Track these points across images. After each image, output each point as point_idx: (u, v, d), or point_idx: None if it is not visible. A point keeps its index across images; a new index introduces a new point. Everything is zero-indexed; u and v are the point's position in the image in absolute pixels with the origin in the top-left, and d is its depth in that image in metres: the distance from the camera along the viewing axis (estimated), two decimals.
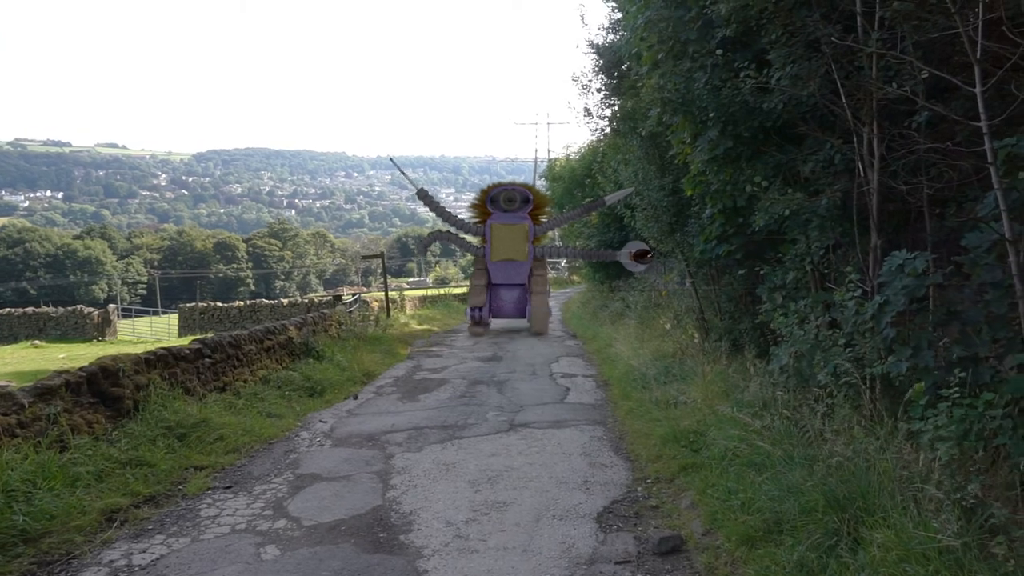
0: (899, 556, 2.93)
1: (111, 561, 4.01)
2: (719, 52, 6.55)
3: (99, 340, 29.17)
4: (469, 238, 17.91)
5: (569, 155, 30.19)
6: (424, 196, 17.53)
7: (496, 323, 18.63)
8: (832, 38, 5.21)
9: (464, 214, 18.82)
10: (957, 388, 3.42)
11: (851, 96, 5.34)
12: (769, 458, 4.44)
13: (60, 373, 6.05)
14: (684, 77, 6.90)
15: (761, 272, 7.75)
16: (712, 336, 9.58)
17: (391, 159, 18.05)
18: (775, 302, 6.74)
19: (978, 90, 3.80)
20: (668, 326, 11.39)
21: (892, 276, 4.50)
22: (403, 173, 18.43)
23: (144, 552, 4.14)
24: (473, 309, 16.83)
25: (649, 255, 14.56)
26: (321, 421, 7.85)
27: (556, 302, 28.17)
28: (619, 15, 13.85)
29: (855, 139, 5.42)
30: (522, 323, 18.37)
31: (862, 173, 5.38)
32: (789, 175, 6.41)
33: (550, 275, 21.69)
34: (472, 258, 18.91)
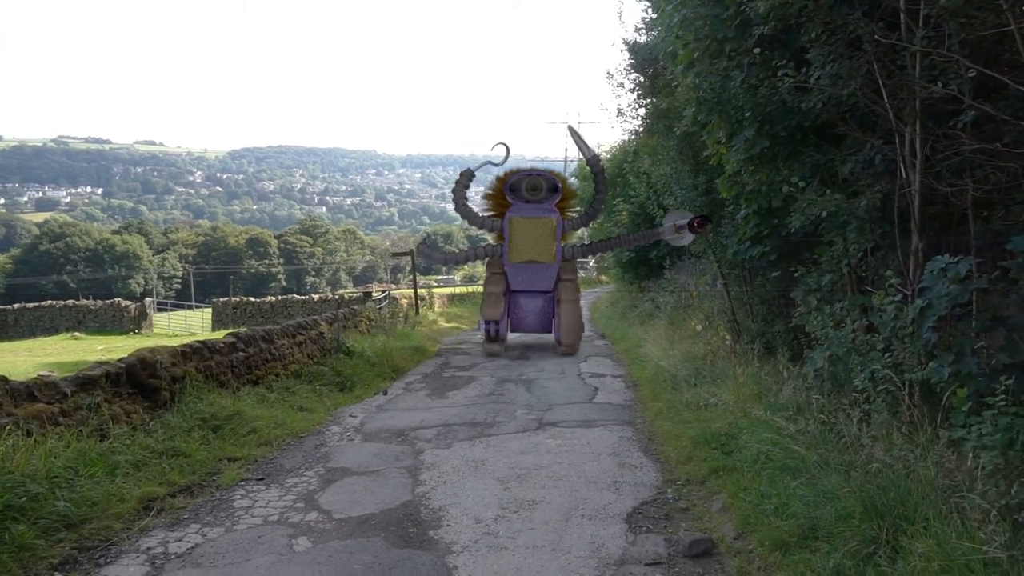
0: (941, 567, 2.86)
1: (148, 548, 4.09)
2: (756, 51, 6.45)
3: (136, 333, 29.81)
4: (459, 236, 15.87)
5: (600, 154, 30.09)
6: (470, 175, 13.89)
7: (514, 337, 15.08)
8: (875, 36, 5.10)
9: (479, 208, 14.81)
10: (1003, 396, 3.32)
11: (893, 95, 5.21)
12: (804, 463, 4.37)
13: (100, 364, 6.20)
14: (720, 76, 6.80)
15: (796, 274, 7.63)
16: (744, 338, 9.46)
17: (571, 128, 14.03)
18: (810, 305, 6.62)
19: None
20: (699, 328, 11.28)
21: (934, 280, 4.38)
22: (507, 150, 14.01)
23: (180, 541, 4.21)
24: (488, 323, 12.91)
25: (701, 224, 10.26)
26: (351, 416, 7.92)
27: (584, 301, 27.38)
28: (654, 15, 13.73)
29: (897, 139, 5.29)
30: (547, 338, 14.91)
31: (903, 174, 5.26)
32: (827, 176, 6.29)
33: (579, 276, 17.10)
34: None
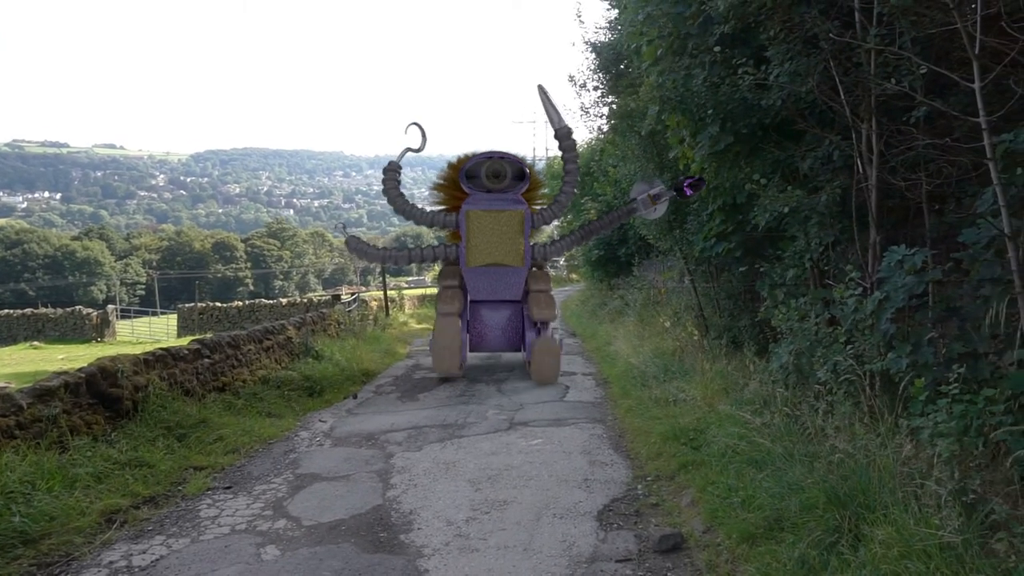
0: (900, 553, 2.93)
1: (111, 562, 4.00)
2: (717, 49, 6.54)
3: (98, 341, 29.15)
4: (430, 237, 11.46)
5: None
6: (393, 170, 10.52)
7: (474, 357, 12.29)
8: (830, 34, 5.20)
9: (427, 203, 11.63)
10: (957, 384, 3.41)
11: (850, 92, 5.33)
12: (769, 455, 4.44)
13: (59, 374, 6.04)
14: (683, 74, 6.88)
15: (761, 269, 7.75)
16: (711, 334, 9.58)
17: (415, 123, 10.41)
18: (775, 299, 6.74)
19: (977, 86, 3.79)
20: (667, 324, 11.39)
21: (891, 272, 4.49)
22: (423, 136, 10.56)
23: (144, 553, 4.13)
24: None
25: (695, 185, 8.76)
26: (321, 421, 7.84)
27: (555, 300, 27.17)
28: (616, 13, 13.84)
29: (854, 135, 5.41)
30: (514, 357, 12.50)
31: (861, 169, 5.38)
32: (788, 172, 6.41)
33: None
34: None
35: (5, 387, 6.61)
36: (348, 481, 5.51)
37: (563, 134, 10.22)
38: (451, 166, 10.66)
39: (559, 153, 10.80)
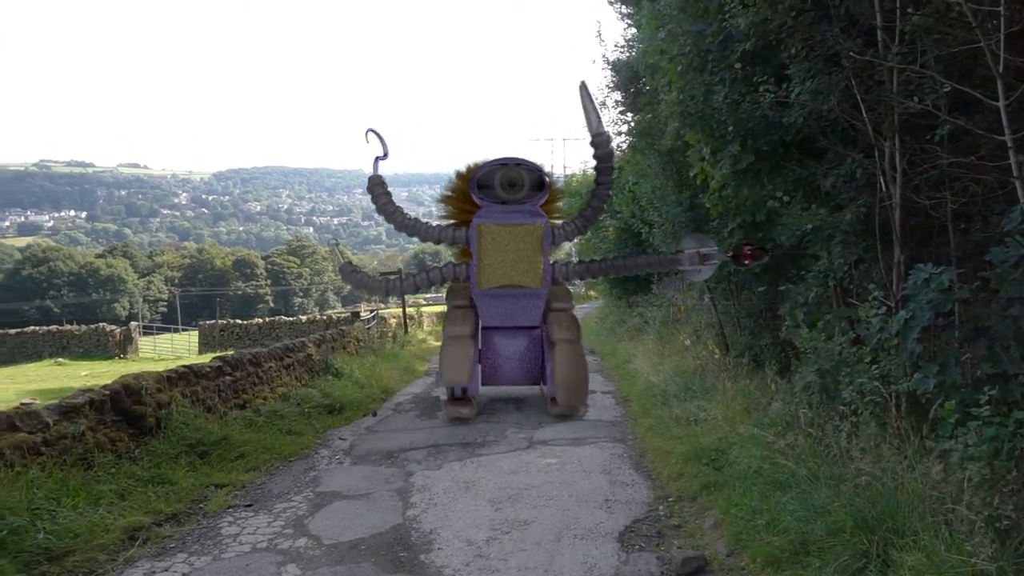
0: None
1: None
2: (739, 66, 6.55)
3: (121, 358, 29.50)
4: (449, 255, 9.67)
5: (586, 171, 30.24)
6: (377, 184, 9.09)
7: (486, 391, 10.14)
8: (852, 52, 5.19)
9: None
10: (987, 406, 3.35)
11: (872, 110, 5.30)
12: (794, 477, 4.38)
13: (84, 391, 6.12)
14: (703, 91, 6.89)
15: (781, 288, 7.68)
16: (732, 352, 9.50)
17: (371, 130, 8.98)
18: (797, 318, 6.68)
19: (1001, 104, 3.76)
20: (687, 342, 11.31)
21: (917, 291, 4.43)
22: (379, 139, 9.06)
23: (166, 571, 4.15)
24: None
25: (754, 255, 7.80)
26: (340, 438, 7.86)
27: (578, 321, 25.92)
28: (634, 31, 13.90)
29: (876, 153, 5.37)
30: (531, 392, 10.46)
31: (884, 187, 5.33)
32: (810, 190, 6.37)
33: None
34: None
35: (31, 404, 6.71)
36: (368, 499, 5.51)
37: (602, 140, 9.06)
38: (460, 176, 9.41)
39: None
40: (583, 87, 9.09)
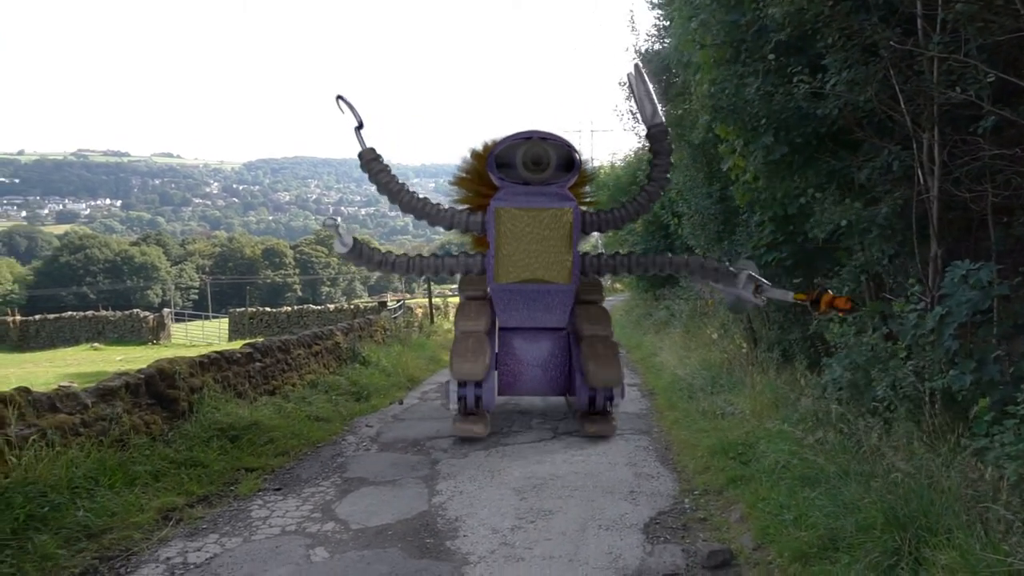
0: None
1: (168, 558, 4.12)
2: (772, 57, 6.45)
3: (154, 343, 30.12)
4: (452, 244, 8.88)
5: (615, 162, 30.02)
6: (369, 159, 7.52)
7: (502, 401, 8.91)
8: (891, 42, 5.07)
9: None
10: None
11: (910, 101, 5.18)
12: (822, 473, 4.32)
13: (120, 375, 6.26)
14: (736, 83, 6.80)
15: (815, 281, 7.57)
16: (761, 346, 9.40)
17: (340, 96, 7.23)
18: (829, 313, 6.58)
19: None
20: (715, 335, 11.21)
21: (955, 287, 4.34)
22: (349, 107, 7.31)
23: (199, 551, 4.24)
24: (462, 386, 7.33)
25: (835, 305, 6.25)
26: (367, 426, 7.94)
27: (609, 316, 23.38)
28: (667, 23, 13.75)
29: (915, 145, 5.25)
30: (554, 402, 9.13)
31: (922, 180, 5.21)
32: (844, 182, 6.26)
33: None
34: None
35: (70, 386, 6.88)
36: (395, 486, 5.57)
37: (660, 131, 7.47)
38: (476, 154, 7.95)
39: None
40: (637, 70, 7.72)
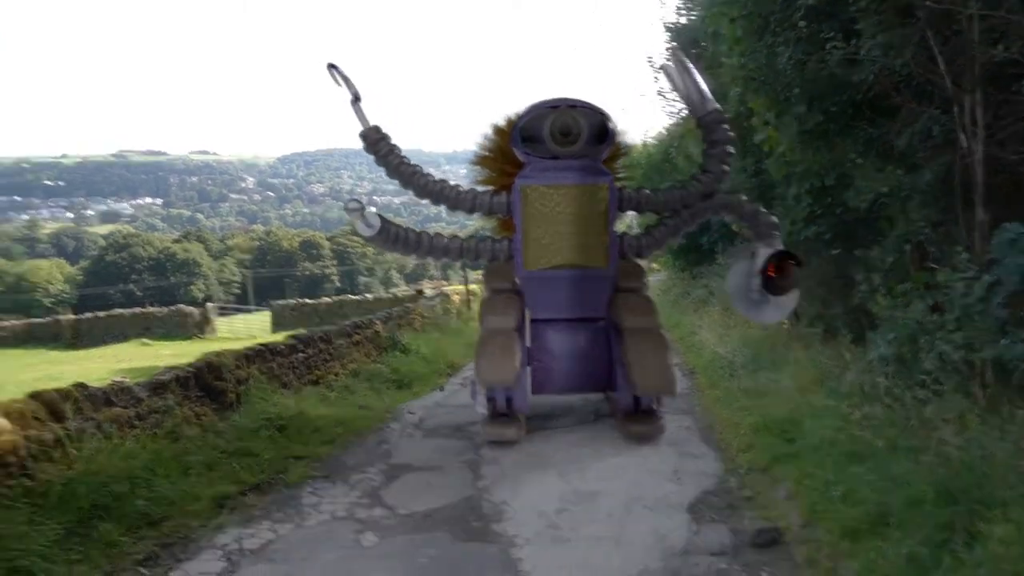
0: (1021, 552, 2.76)
1: (224, 545, 4.27)
2: (803, 24, 6.28)
3: (199, 337, 30.90)
4: (470, 227, 7.36)
5: (646, 141, 29.62)
6: (375, 140, 6.64)
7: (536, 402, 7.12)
8: (927, 1, 4.91)
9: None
10: None
11: (950, 63, 5.02)
12: (870, 448, 4.27)
13: (170, 369, 6.47)
14: (766, 53, 6.65)
15: (856, 253, 7.41)
16: (803, 322, 9.25)
17: (332, 65, 6.47)
18: (872, 284, 6.44)
19: None
20: None
21: (1004, 252, 4.22)
22: (343, 78, 6.49)
23: (253, 537, 4.38)
24: (492, 389, 6.38)
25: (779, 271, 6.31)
26: (410, 412, 8.06)
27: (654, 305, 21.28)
28: None
29: (956, 108, 5.09)
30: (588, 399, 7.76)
31: (965, 144, 5.06)
32: (883, 150, 6.10)
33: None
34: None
35: (123, 381, 7.13)
36: (440, 472, 5.66)
37: (712, 120, 6.56)
38: (499, 130, 7.03)
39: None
40: (676, 56, 6.88)
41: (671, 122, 19.54)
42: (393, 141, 6.63)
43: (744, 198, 6.98)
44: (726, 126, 6.61)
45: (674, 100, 15.62)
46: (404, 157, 6.69)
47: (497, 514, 4.59)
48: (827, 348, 7.65)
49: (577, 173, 6.70)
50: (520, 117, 6.76)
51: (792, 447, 5.13)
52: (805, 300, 9.77)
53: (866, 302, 6.58)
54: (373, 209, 6.56)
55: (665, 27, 14.85)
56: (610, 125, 6.80)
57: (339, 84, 6.50)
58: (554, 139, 6.62)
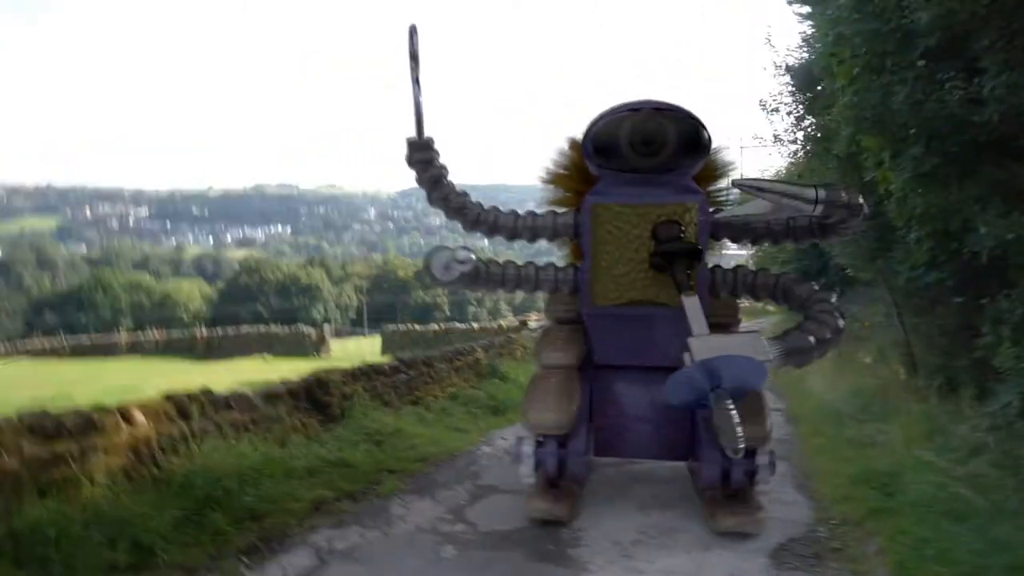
0: None
1: (316, 543, 4.57)
2: (921, 63, 6.07)
3: (315, 356, 32.72)
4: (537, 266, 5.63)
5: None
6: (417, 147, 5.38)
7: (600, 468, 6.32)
8: None
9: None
10: None
11: None
12: (972, 508, 4.00)
13: (283, 382, 7.01)
14: (880, 92, 6.46)
15: (983, 302, 6.94)
16: (922, 373, 8.70)
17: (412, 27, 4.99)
18: (1001, 335, 6.03)
19: None
20: (868, 360, 10.50)
21: None
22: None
23: (342, 539, 4.66)
24: (542, 442, 5.25)
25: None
26: (502, 438, 8.22)
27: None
28: (811, 30, 13.17)
29: None
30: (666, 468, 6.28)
31: None
32: (1010, 194, 5.74)
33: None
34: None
35: (242, 390, 7.76)
36: (523, 496, 5.75)
37: (828, 207, 4.74)
38: (574, 143, 5.57)
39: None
40: (741, 186, 5.22)
41: (788, 163, 18.91)
42: (439, 162, 5.53)
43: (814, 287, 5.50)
44: (847, 202, 4.89)
45: (790, 142, 15.19)
46: (446, 180, 5.59)
47: (573, 540, 4.64)
48: (946, 402, 7.19)
49: (662, 190, 5.25)
50: (593, 123, 5.31)
51: (890, 501, 4.86)
52: (927, 352, 9.21)
53: (991, 354, 6.16)
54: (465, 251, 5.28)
55: (777, 67, 14.53)
56: (704, 133, 5.31)
57: (411, 57, 5.19)
58: (634, 148, 5.12)
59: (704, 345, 4.32)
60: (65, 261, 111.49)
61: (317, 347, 34.45)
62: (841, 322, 5.05)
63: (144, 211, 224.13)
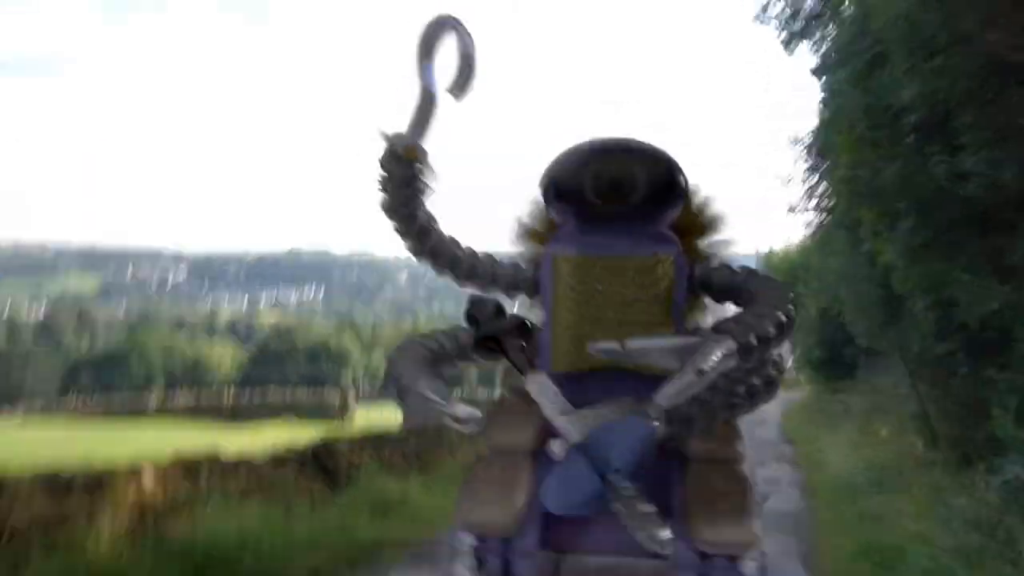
0: None
1: None
2: (910, 139, 6.28)
3: (339, 420, 32.85)
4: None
5: (789, 247, 28.68)
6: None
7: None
8: None
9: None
10: None
11: None
12: None
13: (290, 448, 7.19)
14: (872, 167, 6.66)
15: (989, 374, 6.90)
16: (941, 445, 8.55)
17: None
18: (1009, 406, 6.00)
19: None
20: (884, 432, 10.34)
21: None
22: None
23: None
24: (482, 541, 2.10)
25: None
26: None
27: (777, 408, 18.44)
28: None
29: None
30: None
31: None
32: (999, 265, 5.81)
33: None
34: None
35: (249, 454, 7.94)
36: None
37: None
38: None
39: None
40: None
41: (808, 232, 18.94)
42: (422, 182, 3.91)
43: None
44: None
45: (802, 211, 15.31)
46: (422, 211, 4.02)
47: None
48: (961, 475, 7.06)
49: (630, 239, 4.57)
50: (554, 163, 4.62)
51: (889, 574, 4.79)
52: (944, 423, 9.05)
53: (998, 427, 6.10)
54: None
55: (793, 140, 14.82)
56: (679, 178, 4.32)
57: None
58: (599, 193, 4.45)
59: (578, 423, 2.72)
60: (104, 322, 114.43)
61: (341, 412, 34.63)
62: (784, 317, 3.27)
63: (183, 272, 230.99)
